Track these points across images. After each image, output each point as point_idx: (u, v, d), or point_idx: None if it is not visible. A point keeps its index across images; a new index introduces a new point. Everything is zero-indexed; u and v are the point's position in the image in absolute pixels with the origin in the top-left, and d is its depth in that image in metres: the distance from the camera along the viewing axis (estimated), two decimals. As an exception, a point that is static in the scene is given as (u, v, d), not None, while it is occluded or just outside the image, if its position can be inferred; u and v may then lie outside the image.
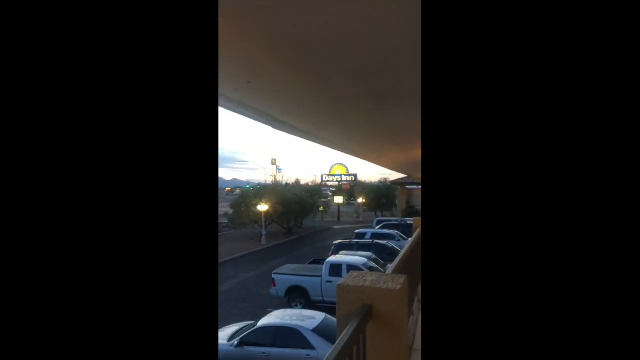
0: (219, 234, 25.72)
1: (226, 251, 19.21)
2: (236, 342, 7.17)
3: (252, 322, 7.93)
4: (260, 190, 27.04)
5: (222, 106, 2.59)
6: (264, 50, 1.66)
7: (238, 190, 52.12)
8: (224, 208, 33.58)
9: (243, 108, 2.73)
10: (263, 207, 22.11)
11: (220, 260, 17.42)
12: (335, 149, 5.02)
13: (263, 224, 22.34)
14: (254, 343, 7.12)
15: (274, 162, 58.20)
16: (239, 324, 8.14)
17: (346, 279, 1.28)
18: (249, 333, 7.29)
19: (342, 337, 0.91)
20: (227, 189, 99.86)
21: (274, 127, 3.35)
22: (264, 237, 21.74)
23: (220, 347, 7.24)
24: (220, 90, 2.33)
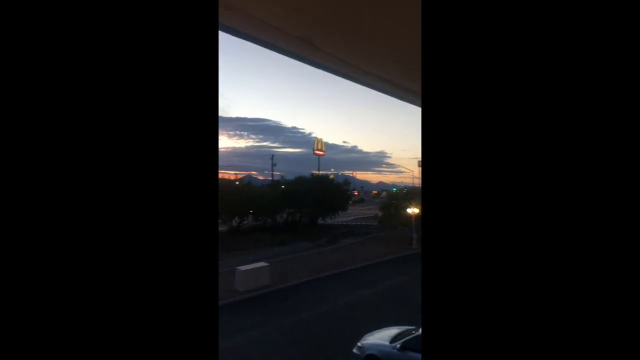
0: (369, 236, 26.43)
1: (378, 253, 19.57)
2: (398, 345, 7.21)
3: (413, 327, 7.86)
4: (408, 193, 26.66)
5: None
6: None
7: (384, 193, 52.71)
8: (372, 210, 34.34)
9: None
10: (413, 210, 21.70)
11: (373, 261, 17.86)
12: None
13: (413, 227, 21.89)
14: (416, 349, 7.04)
15: (419, 164, 56.88)
16: (399, 327, 8.17)
17: None
18: (411, 338, 7.25)
19: None
20: (373, 191, 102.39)
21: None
22: (414, 241, 21.24)
23: (382, 348, 7.43)
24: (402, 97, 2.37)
